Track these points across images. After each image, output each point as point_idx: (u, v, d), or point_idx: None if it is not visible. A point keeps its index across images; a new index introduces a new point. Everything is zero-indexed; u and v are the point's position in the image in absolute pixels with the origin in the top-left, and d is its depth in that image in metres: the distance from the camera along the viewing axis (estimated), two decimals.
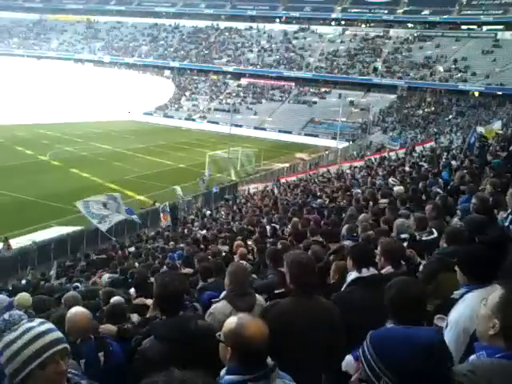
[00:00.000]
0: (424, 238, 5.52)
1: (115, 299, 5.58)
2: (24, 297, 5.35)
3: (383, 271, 4.01)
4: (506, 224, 5.69)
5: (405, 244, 5.21)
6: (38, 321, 1.99)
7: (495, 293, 1.94)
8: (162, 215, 22.47)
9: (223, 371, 2.14)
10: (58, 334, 1.98)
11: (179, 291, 3.10)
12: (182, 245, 14.43)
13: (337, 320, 3.27)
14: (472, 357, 1.94)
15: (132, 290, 7.01)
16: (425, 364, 1.58)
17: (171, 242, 16.17)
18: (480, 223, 4.97)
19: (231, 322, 2.16)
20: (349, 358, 2.63)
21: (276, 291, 4.20)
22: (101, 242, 21.18)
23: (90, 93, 69.76)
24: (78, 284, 9.86)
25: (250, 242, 9.26)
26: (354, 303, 3.50)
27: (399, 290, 2.58)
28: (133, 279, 7.74)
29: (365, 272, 3.75)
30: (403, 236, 5.53)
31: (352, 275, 3.83)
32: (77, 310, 3.69)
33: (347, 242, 6.52)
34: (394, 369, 1.61)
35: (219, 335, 2.18)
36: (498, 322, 1.84)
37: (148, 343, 2.94)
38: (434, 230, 5.60)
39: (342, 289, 3.94)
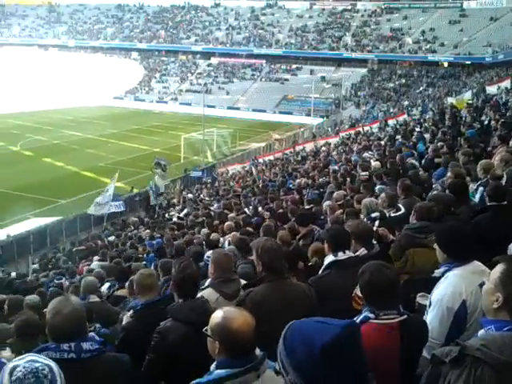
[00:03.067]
0: (392, 215, 5.58)
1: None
2: None
3: (357, 253, 3.99)
4: (477, 196, 5.77)
5: (376, 223, 5.19)
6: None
7: (497, 267, 1.99)
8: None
9: (213, 366, 2.15)
10: None
11: (196, 275, 3.28)
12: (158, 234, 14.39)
13: (312, 301, 3.32)
14: (481, 332, 2.00)
15: (104, 287, 7.08)
16: (322, 368, 1.50)
17: (147, 230, 16.11)
18: (448, 202, 4.91)
19: (217, 316, 2.15)
20: None
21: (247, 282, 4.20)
22: (80, 231, 20.98)
23: (56, 79, 67.79)
24: (61, 276, 9.76)
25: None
26: (329, 286, 3.49)
27: (372, 275, 2.56)
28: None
29: (341, 255, 3.73)
30: (374, 215, 5.48)
31: (328, 259, 3.83)
32: None
33: (315, 226, 6.54)
34: (296, 368, 1.56)
35: (206, 330, 2.18)
36: (500, 296, 1.90)
37: (167, 324, 3.00)
38: (400, 207, 5.66)
39: (319, 272, 3.92)
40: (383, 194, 6.24)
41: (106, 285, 7.36)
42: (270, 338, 3.03)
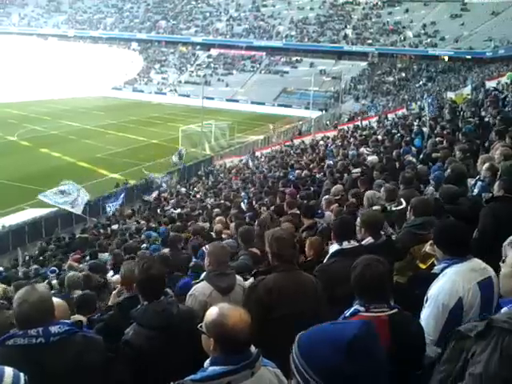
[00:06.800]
0: (394, 209, 5.57)
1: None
2: None
3: (363, 242, 4.05)
4: (476, 191, 5.78)
5: None
6: None
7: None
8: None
9: (207, 362, 2.11)
10: None
11: (160, 276, 3.05)
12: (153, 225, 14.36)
13: (319, 291, 3.34)
14: (504, 309, 2.05)
15: (110, 274, 7.01)
16: (348, 365, 1.47)
17: (142, 222, 16.07)
18: (454, 194, 5.02)
19: (212, 312, 2.12)
20: None
21: (259, 269, 4.19)
22: (75, 223, 20.91)
23: (55, 69, 67.53)
24: (55, 268, 9.73)
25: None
26: (335, 275, 3.52)
27: (363, 269, 2.59)
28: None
29: (346, 245, 3.81)
30: (375, 208, 5.53)
31: (333, 248, 3.89)
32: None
33: (318, 219, 6.57)
34: (320, 371, 1.51)
35: (201, 326, 2.14)
36: None
37: (131, 331, 2.87)
38: (402, 201, 5.64)
39: (324, 261, 3.99)
40: (382, 189, 6.21)
41: (111, 273, 7.28)
42: (282, 323, 3.06)
